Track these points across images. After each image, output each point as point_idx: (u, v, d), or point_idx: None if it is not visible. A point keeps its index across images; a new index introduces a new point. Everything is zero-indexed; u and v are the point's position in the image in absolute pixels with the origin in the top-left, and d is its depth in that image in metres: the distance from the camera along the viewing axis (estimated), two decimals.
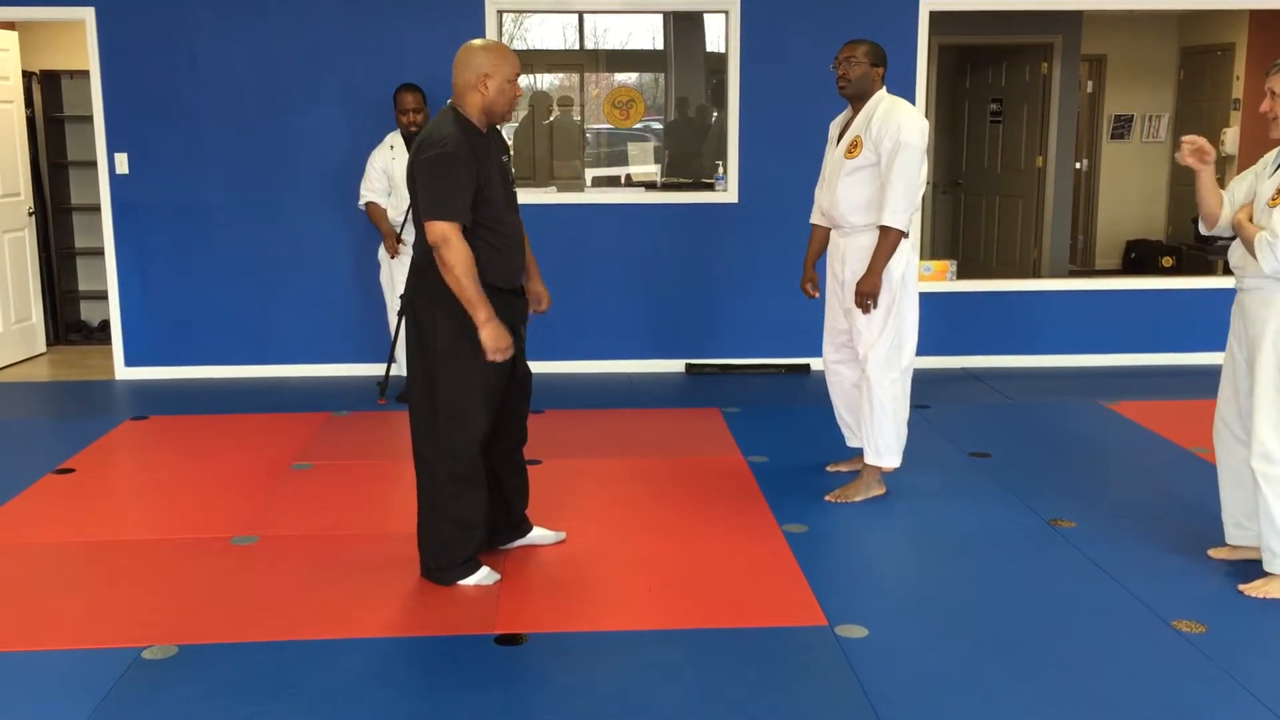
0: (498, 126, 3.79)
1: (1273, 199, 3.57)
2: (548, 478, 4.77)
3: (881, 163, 4.37)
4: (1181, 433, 5.46)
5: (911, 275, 4.53)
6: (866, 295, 4.41)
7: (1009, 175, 9.09)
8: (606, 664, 3.28)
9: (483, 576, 3.81)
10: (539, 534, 4.16)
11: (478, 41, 3.70)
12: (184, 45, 6.58)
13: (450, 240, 3.49)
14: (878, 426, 4.54)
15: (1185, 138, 3.76)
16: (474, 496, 3.77)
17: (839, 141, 4.59)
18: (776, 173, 6.79)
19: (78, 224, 8.31)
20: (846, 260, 4.56)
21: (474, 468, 3.75)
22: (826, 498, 4.59)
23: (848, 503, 4.56)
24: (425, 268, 3.65)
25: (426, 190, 3.53)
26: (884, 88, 4.52)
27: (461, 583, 3.79)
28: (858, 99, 4.50)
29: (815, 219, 4.81)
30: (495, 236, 3.66)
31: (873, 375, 4.51)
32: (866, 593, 3.82)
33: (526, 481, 4.09)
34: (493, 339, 3.55)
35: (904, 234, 4.37)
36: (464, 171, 3.53)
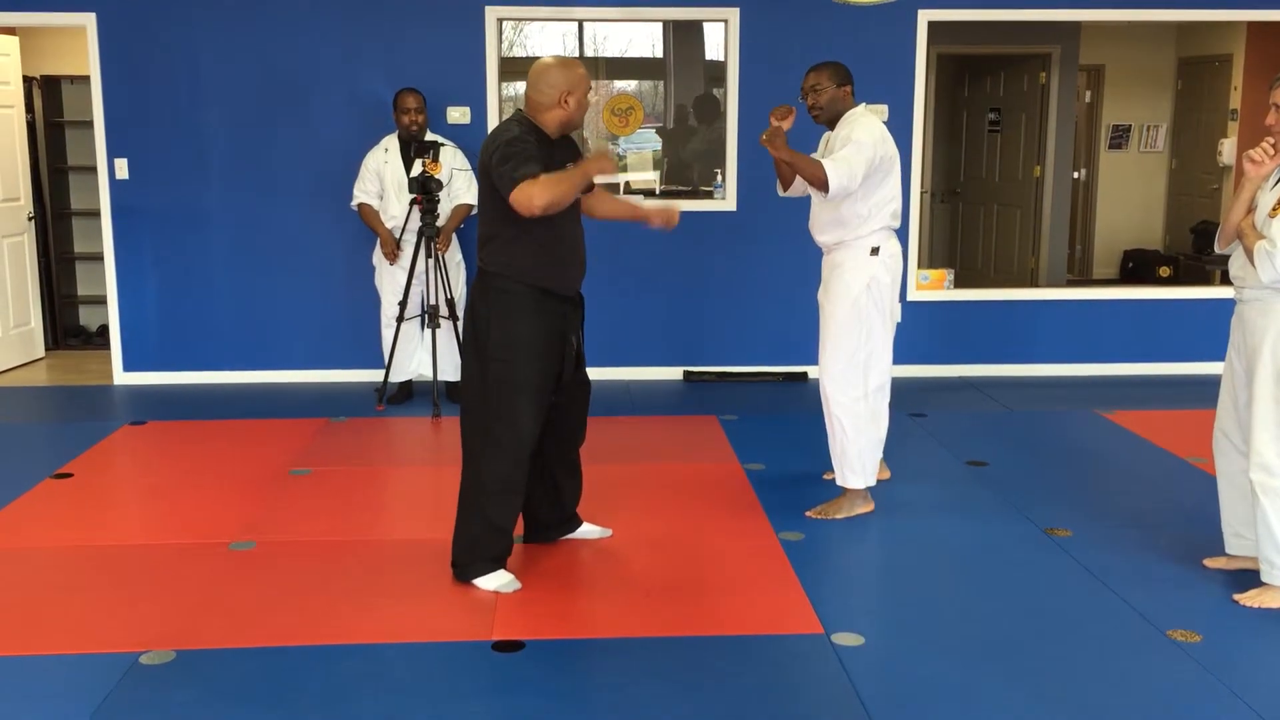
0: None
1: (1273, 209, 3.58)
2: None
3: None
4: (1178, 442, 5.48)
5: (882, 295, 4.42)
6: (771, 136, 4.33)
7: (1007, 184, 9.12)
8: (604, 671, 3.29)
9: (504, 582, 3.81)
10: (587, 529, 4.28)
11: (551, 59, 3.77)
12: (185, 51, 6.60)
13: (529, 191, 3.50)
14: (839, 447, 4.49)
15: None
16: (512, 501, 3.83)
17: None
18: (775, 181, 6.78)
19: (77, 229, 8.32)
20: (825, 282, 4.54)
21: (518, 472, 3.80)
22: (807, 514, 4.53)
23: (828, 520, 4.49)
24: (483, 273, 3.77)
25: (501, 169, 3.57)
26: (859, 105, 4.48)
27: (479, 582, 3.81)
28: (833, 122, 4.49)
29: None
30: (553, 243, 3.75)
31: (828, 391, 4.47)
32: (862, 601, 3.83)
33: (580, 481, 4.21)
34: (596, 164, 3.66)
35: (827, 184, 4.21)
36: (535, 153, 3.60)
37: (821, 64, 4.50)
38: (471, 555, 3.82)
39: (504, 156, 3.58)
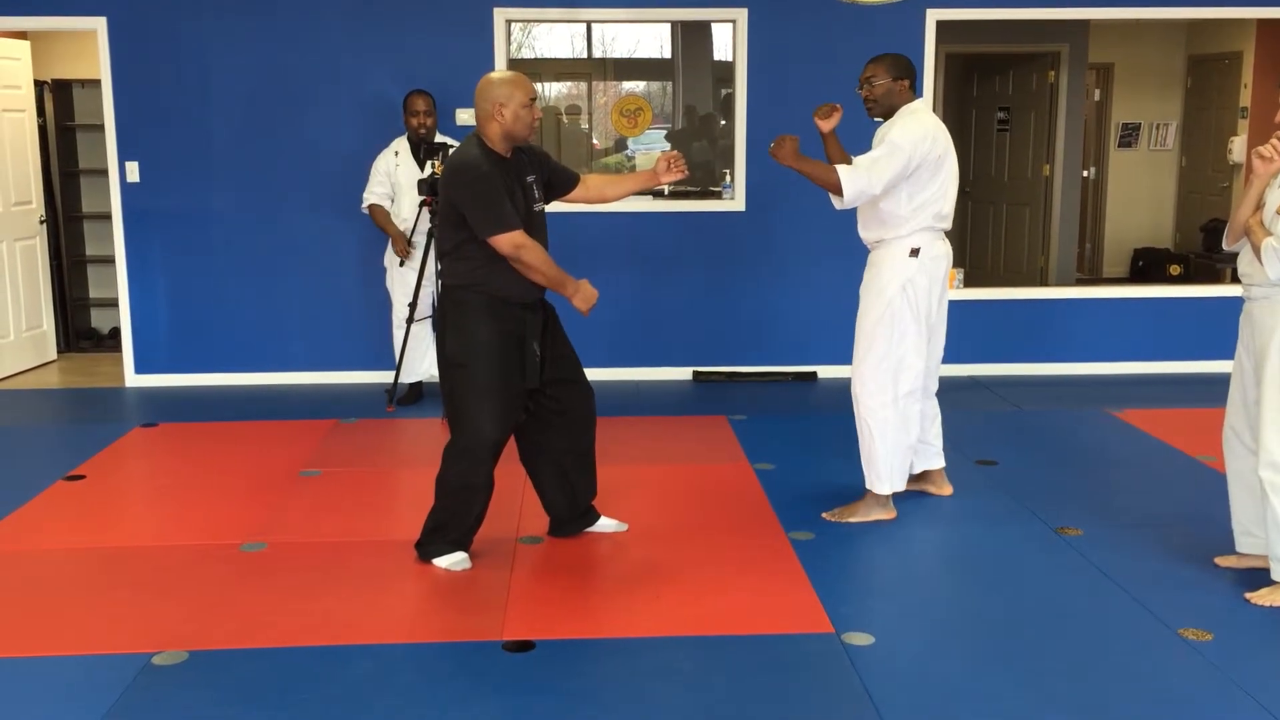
0: (531, 145, 4.07)
1: None
2: None
3: None
4: (1189, 441, 5.47)
5: (918, 299, 4.33)
6: (776, 148, 4.21)
7: (1016, 183, 9.11)
8: (614, 670, 3.30)
9: (454, 560, 4.01)
10: (605, 523, 4.38)
11: (495, 73, 3.97)
12: (195, 54, 6.62)
13: (522, 245, 3.83)
14: (866, 451, 4.44)
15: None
16: (465, 496, 3.99)
17: None
18: (783, 181, 6.79)
19: (89, 232, 8.35)
20: (873, 275, 4.43)
21: (472, 470, 3.96)
22: (824, 515, 4.51)
23: (843, 522, 4.46)
24: (445, 287, 3.99)
25: (479, 210, 3.81)
26: (917, 98, 4.38)
27: (435, 561, 4.01)
28: (888, 115, 4.37)
29: None
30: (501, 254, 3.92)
31: (856, 394, 4.42)
32: (873, 600, 3.83)
33: (593, 478, 4.29)
34: (585, 300, 3.97)
35: (841, 192, 4.17)
36: (498, 187, 3.82)
37: (880, 55, 4.39)
38: (431, 539, 4.05)
39: (478, 194, 3.79)
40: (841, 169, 4.20)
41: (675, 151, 4.22)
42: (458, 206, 3.84)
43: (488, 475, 3.98)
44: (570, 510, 4.28)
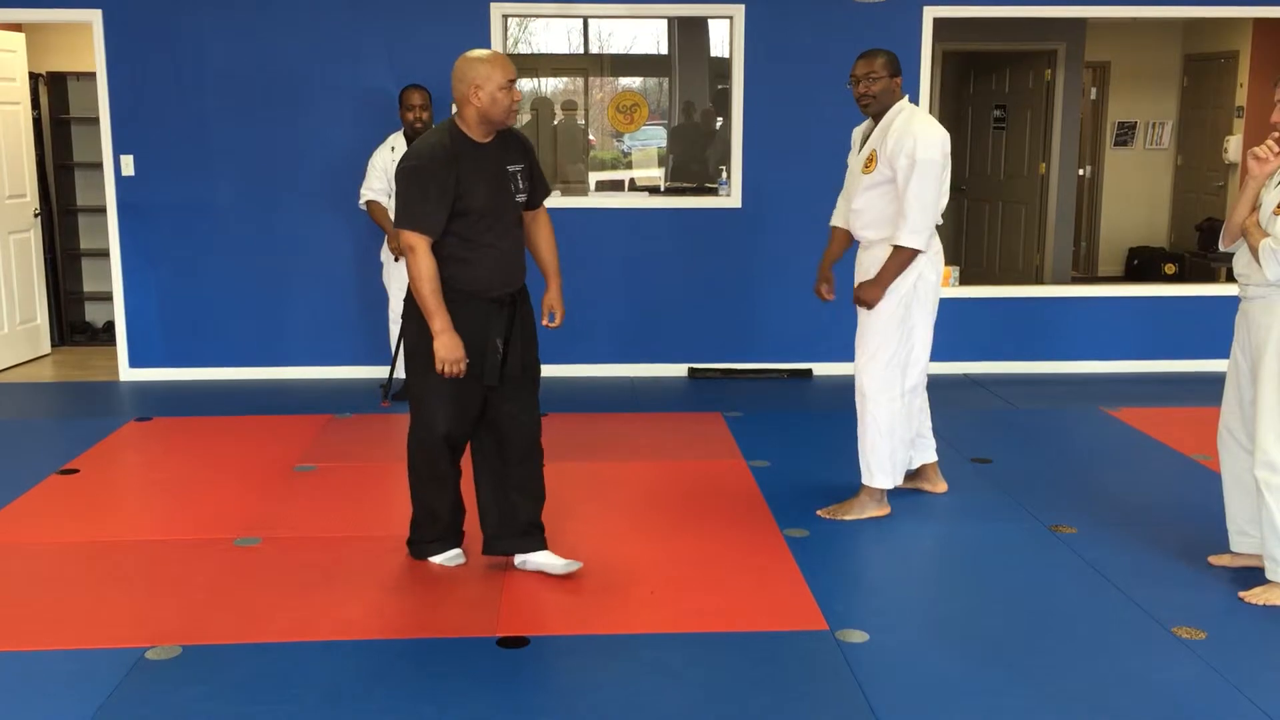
0: (512, 131, 3.86)
1: (1278, 207, 3.57)
2: (550, 482, 4.76)
3: (898, 179, 4.22)
4: (1183, 439, 5.47)
5: (928, 293, 4.36)
6: (863, 303, 4.36)
7: (1012, 181, 9.11)
8: (608, 667, 3.30)
9: (448, 557, 4.02)
10: (545, 559, 3.93)
11: (472, 52, 3.75)
12: (190, 48, 6.61)
13: (416, 250, 3.67)
14: (870, 444, 4.44)
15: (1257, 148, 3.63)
16: (434, 487, 3.97)
17: (859, 152, 4.46)
18: (780, 178, 6.81)
19: (83, 225, 8.33)
20: (864, 273, 4.43)
21: (432, 460, 3.93)
22: (819, 512, 4.50)
23: (838, 520, 4.46)
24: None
25: (400, 200, 3.72)
26: (904, 97, 4.38)
27: (431, 559, 4.02)
28: (881, 114, 4.35)
29: (836, 221, 4.66)
30: (468, 247, 3.73)
31: (866, 389, 4.42)
32: (867, 597, 3.83)
33: (534, 495, 3.97)
34: (444, 348, 3.67)
35: (918, 252, 4.26)
36: (435, 185, 3.64)
37: (874, 51, 4.34)
38: (417, 535, 4.05)
39: (406, 184, 3.69)
40: (901, 238, 4.21)
41: (560, 312, 4.04)
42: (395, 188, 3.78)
43: (449, 464, 3.93)
44: (510, 525, 3.94)
